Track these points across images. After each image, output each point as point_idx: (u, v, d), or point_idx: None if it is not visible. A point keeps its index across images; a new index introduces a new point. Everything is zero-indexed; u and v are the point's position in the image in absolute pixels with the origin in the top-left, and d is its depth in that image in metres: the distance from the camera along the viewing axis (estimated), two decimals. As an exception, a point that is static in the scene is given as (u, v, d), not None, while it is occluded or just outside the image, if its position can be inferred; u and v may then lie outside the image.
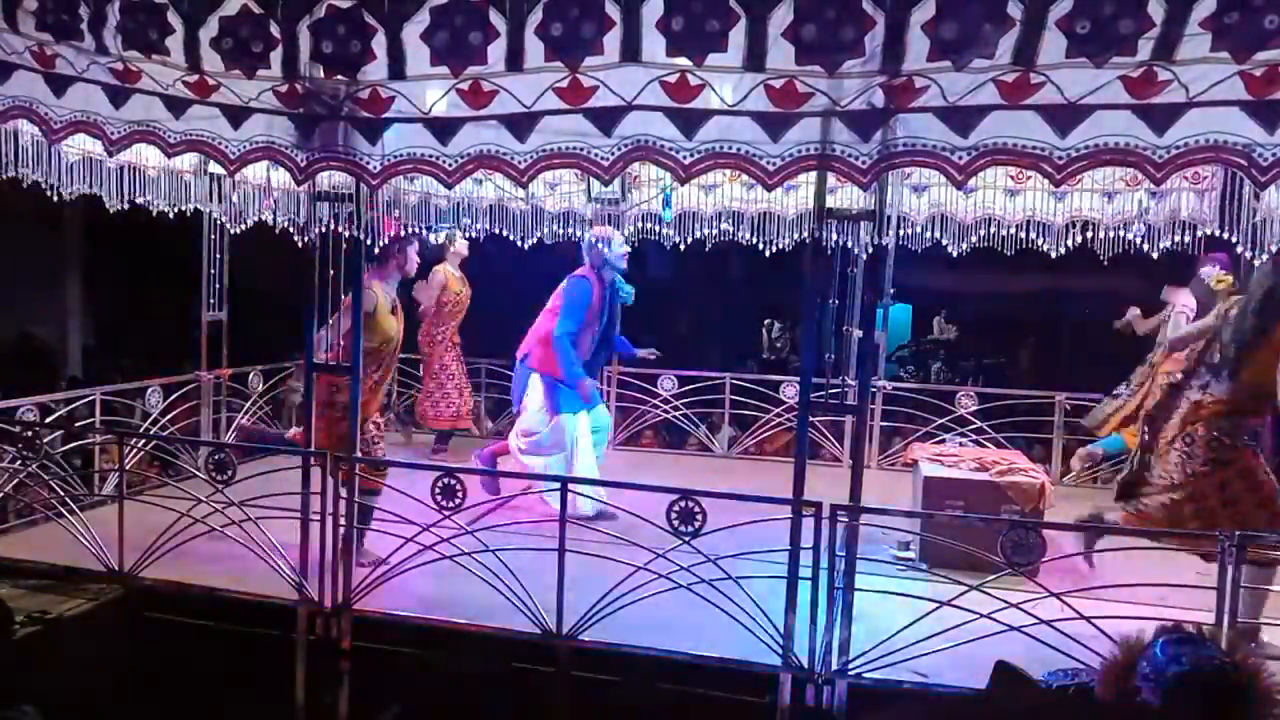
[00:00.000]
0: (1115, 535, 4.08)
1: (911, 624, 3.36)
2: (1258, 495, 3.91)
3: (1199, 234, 5.34)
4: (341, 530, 3.89)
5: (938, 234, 6.00)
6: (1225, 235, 3.99)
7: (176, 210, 5.17)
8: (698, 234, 6.35)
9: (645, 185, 6.44)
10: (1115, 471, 6.27)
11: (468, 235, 6.55)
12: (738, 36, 3.02)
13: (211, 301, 6.22)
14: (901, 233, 6.04)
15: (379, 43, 3.31)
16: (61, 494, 4.49)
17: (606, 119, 3.23)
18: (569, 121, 3.28)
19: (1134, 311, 6.41)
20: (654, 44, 3.09)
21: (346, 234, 3.85)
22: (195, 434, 6.13)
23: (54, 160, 4.36)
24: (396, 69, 3.34)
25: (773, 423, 7.23)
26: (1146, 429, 4.36)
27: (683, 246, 6.06)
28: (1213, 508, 3.91)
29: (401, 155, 3.51)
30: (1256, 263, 3.82)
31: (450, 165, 3.45)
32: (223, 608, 4.00)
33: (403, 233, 4.77)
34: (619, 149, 3.26)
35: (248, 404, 6.51)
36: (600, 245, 5.55)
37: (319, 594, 3.89)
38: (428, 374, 7.08)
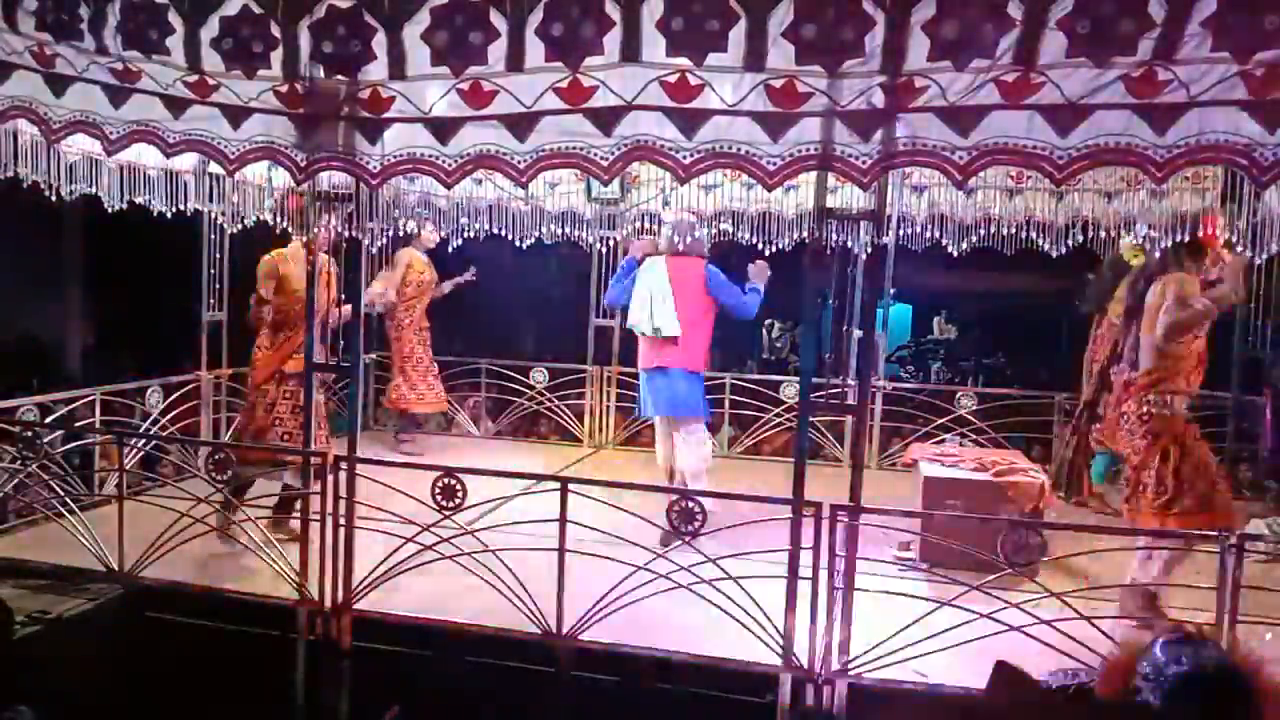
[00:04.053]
0: (1112, 535, 4.08)
1: (911, 624, 3.36)
2: (1191, 462, 3.98)
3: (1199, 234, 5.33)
4: (342, 530, 3.89)
5: (938, 234, 6.00)
6: (1225, 235, 4.00)
7: (176, 210, 5.17)
8: (697, 234, 6.33)
9: (645, 185, 6.43)
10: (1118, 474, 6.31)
11: (460, 234, 6.49)
12: (738, 36, 3.02)
13: (211, 301, 6.22)
14: (901, 233, 6.04)
15: (379, 43, 3.31)
16: (61, 494, 4.49)
17: (606, 119, 3.23)
18: (569, 121, 3.27)
19: None
20: (654, 44, 3.09)
21: (346, 234, 3.85)
22: (195, 434, 6.12)
23: (54, 160, 4.36)
24: (396, 69, 3.34)
25: (773, 423, 7.23)
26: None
27: (681, 246, 6.05)
28: (1163, 480, 3.98)
29: (401, 155, 3.51)
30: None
31: (450, 165, 3.45)
32: (223, 608, 4.01)
33: None
34: (619, 149, 3.25)
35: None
36: (701, 235, 5.43)
37: (319, 594, 3.90)
38: (396, 360, 7.09)
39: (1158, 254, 4.24)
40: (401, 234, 6.70)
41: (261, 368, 4.75)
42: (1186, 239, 4.16)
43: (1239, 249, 3.91)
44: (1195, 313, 3.96)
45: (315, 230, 3.95)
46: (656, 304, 5.27)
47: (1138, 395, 4.10)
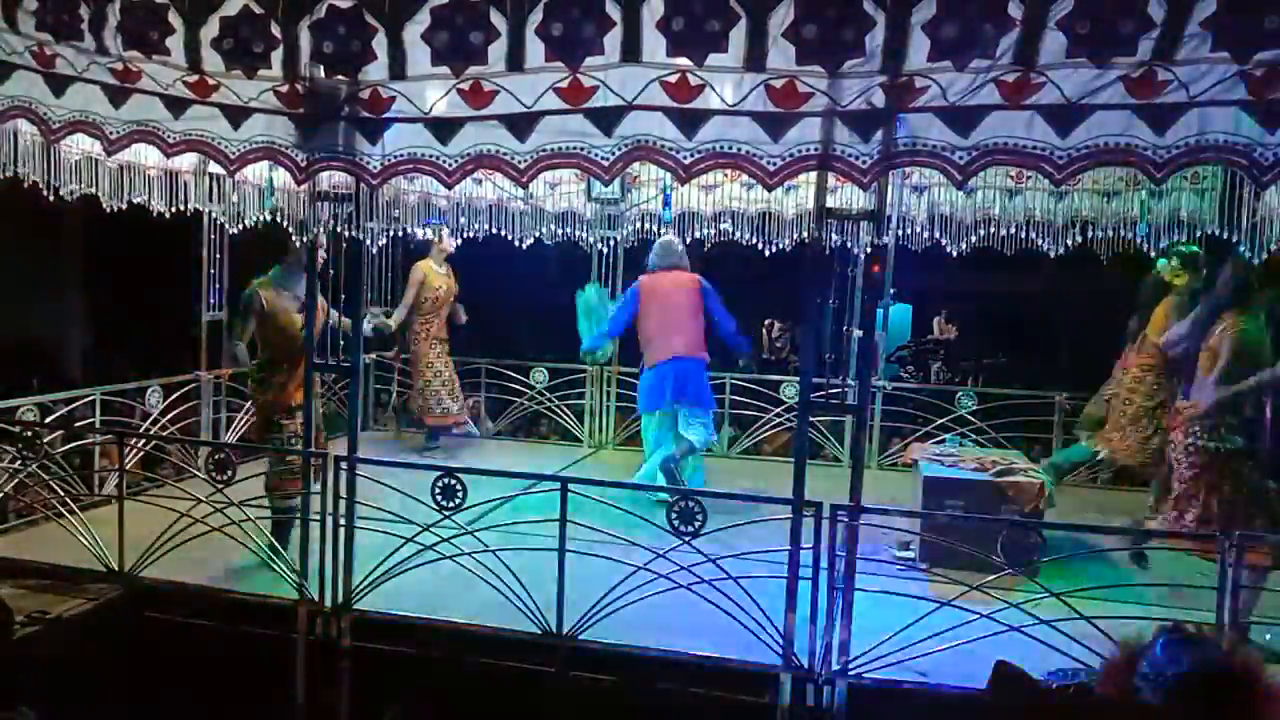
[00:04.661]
0: (1113, 535, 4.08)
1: (911, 624, 3.36)
2: (1245, 492, 3.93)
3: (1199, 234, 5.34)
4: (342, 530, 3.89)
5: (938, 234, 6.00)
6: (1225, 235, 4.00)
7: (176, 210, 5.17)
8: (697, 234, 6.35)
9: (645, 185, 6.44)
10: (1115, 473, 6.30)
11: (460, 233, 6.48)
12: (738, 36, 3.02)
13: (211, 301, 6.22)
14: (901, 233, 6.04)
15: (379, 43, 3.31)
16: (61, 494, 4.49)
17: (607, 119, 3.23)
18: (569, 121, 3.28)
19: None
20: (654, 44, 3.09)
21: (346, 234, 3.85)
22: (195, 434, 6.12)
23: (54, 160, 4.36)
24: (397, 69, 3.34)
25: (773, 423, 7.23)
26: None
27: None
28: (1215, 512, 3.91)
29: (401, 155, 3.51)
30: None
31: (450, 165, 3.44)
32: (223, 608, 4.01)
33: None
34: (619, 149, 3.25)
35: (248, 404, 6.50)
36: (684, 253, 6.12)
37: (319, 594, 3.90)
38: (414, 372, 7.07)
39: (1224, 280, 4.12)
40: (408, 239, 6.72)
41: (265, 412, 4.60)
42: (1254, 269, 3.98)
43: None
44: (1250, 389, 3.91)
45: (313, 232, 3.93)
46: (670, 311, 5.83)
47: (1185, 426, 4.04)
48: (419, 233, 6.60)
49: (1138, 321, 6.06)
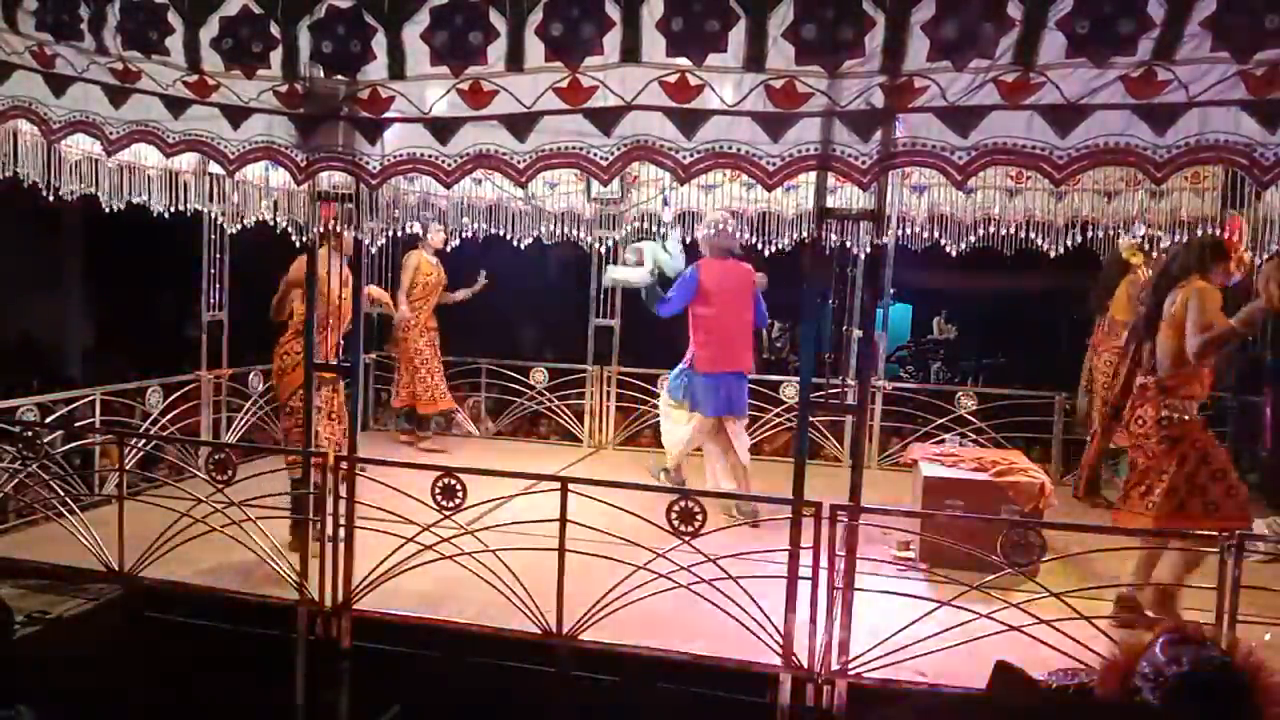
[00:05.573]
0: (1114, 535, 4.07)
1: (911, 624, 3.36)
2: (1210, 468, 3.94)
3: (1199, 234, 5.34)
4: (342, 530, 3.88)
5: (938, 234, 6.00)
6: (1225, 235, 4.00)
7: (175, 210, 5.16)
8: (697, 234, 6.34)
9: (645, 185, 6.44)
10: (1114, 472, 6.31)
11: (460, 234, 6.47)
12: (738, 36, 3.02)
13: (211, 301, 6.22)
14: (901, 233, 6.03)
15: (379, 43, 3.31)
16: (61, 494, 4.49)
17: (606, 119, 3.23)
18: (569, 121, 3.28)
19: None
20: (654, 44, 3.09)
21: (347, 234, 3.85)
22: (195, 434, 6.12)
23: (54, 160, 4.36)
24: (396, 69, 3.34)
25: (772, 423, 7.23)
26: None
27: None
28: (1176, 486, 3.93)
29: (401, 155, 3.51)
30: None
31: (450, 165, 3.45)
32: (223, 608, 4.01)
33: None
34: (618, 149, 3.25)
35: (248, 404, 6.50)
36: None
37: (319, 594, 3.90)
38: (403, 360, 7.12)
39: (1174, 255, 4.14)
40: (404, 235, 6.73)
41: (294, 378, 4.53)
42: (1209, 239, 4.08)
43: (1270, 255, 3.84)
44: (1226, 332, 3.86)
45: (318, 229, 3.93)
46: (732, 316, 5.55)
47: (1156, 400, 4.03)
48: (410, 227, 6.64)
49: (1098, 299, 6.17)
